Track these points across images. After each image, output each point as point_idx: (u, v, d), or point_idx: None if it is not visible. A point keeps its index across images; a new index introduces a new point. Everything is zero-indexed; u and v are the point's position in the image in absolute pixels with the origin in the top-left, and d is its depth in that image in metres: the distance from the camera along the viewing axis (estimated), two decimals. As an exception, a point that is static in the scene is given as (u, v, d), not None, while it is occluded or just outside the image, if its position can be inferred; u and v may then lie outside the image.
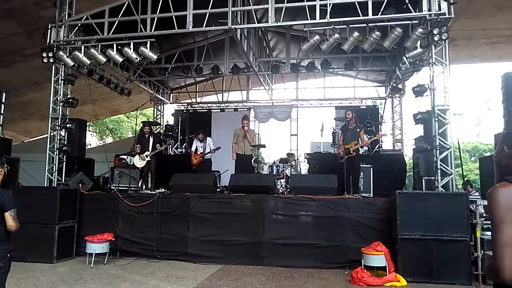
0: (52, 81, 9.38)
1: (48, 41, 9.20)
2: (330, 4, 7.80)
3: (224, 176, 10.18)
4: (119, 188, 9.22)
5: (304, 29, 8.89)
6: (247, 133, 9.55)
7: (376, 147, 11.10)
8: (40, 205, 7.67)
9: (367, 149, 10.16)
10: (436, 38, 7.49)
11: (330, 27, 8.21)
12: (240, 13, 8.57)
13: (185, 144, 13.21)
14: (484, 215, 6.66)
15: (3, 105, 9.18)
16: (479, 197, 7.77)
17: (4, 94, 9.25)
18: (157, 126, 14.11)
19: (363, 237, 7.11)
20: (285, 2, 8.09)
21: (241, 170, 9.40)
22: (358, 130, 8.74)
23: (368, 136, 9.23)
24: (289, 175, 10.46)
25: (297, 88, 14.96)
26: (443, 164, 7.54)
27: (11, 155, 8.92)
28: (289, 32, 12.07)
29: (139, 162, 9.63)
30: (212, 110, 15.25)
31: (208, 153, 10.16)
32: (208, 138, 10.54)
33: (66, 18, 9.25)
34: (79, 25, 9.27)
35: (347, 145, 8.61)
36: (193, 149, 10.41)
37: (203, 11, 8.31)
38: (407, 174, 11.18)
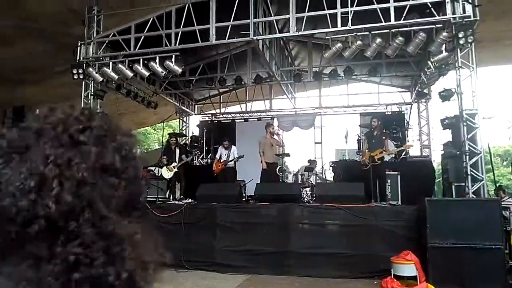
0: (82, 97, 9.73)
1: (78, 58, 9.57)
2: (351, 11, 7.79)
3: (249, 186, 10.22)
4: (148, 199, 9.37)
5: (326, 37, 8.93)
6: (279, 137, 9.73)
7: (403, 154, 10.91)
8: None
9: (393, 155, 10.00)
10: (461, 42, 7.35)
11: (352, 34, 8.20)
12: (262, 24, 8.68)
13: (210, 154, 13.35)
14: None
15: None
16: (513, 203, 7.51)
17: (37, 111, 9.64)
18: (183, 138, 14.33)
19: (392, 246, 6.97)
20: (306, 11, 8.13)
21: (267, 178, 9.43)
22: (383, 138, 8.64)
23: (395, 143, 9.09)
24: (314, 183, 10.41)
25: (320, 96, 14.92)
26: (473, 170, 7.33)
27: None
28: (310, 40, 12.09)
29: (167, 173, 9.80)
30: (236, 120, 15.39)
31: (230, 161, 10.19)
32: (233, 146, 10.57)
33: (95, 35, 9.61)
34: (106, 41, 9.60)
35: (372, 152, 8.54)
36: (217, 156, 10.53)
37: (225, 24, 8.46)
38: (436, 181, 10.92)
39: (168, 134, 12.88)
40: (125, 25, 9.33)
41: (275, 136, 9.81)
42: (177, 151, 9.99)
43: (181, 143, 12.49)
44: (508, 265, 6.09)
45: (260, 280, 7.10)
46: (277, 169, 10.45)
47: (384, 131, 8.99)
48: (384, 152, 8.44)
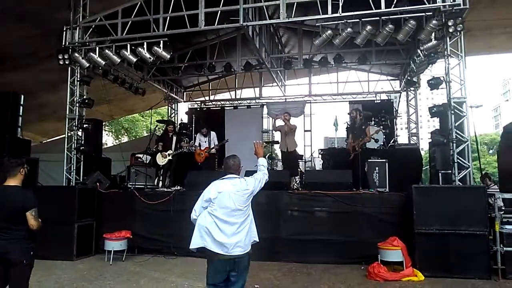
0: (68, 83, 9.55)
1: (63, 43, 9.37)
2: (342, -2, 7.74)
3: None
4: (136, 186, 9.33)
5: (316, 24, 8.85)
6: (287, 126, 9.52)
7: (391, 142, 11.00)
8: (60, 204, 7.83)
9: (382, 143, 10.07)
10: (451, 30, 7.37)
11: (343, 21, 8.14)
12: (252, 10, 8.58)
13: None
14: (503, 208, 6.56)
15: (21, 107, 9.38)
16: (498, 190, 7.64)
17: (22, 97, 9.45)
18: (175, 125, 14.20)
19: (379, 232, 7.06)
20: (297, -3, 8.06)
21: (286, 166, 9.35)
22: (363, 127, 8.98)
23: (383, 131, 9.22)
24: (303, 171, 10.43)
25: (310, 84, 14.91)
26: (460, 158, 7.43)
27: (30, 156, 9.13)
28: (301, 27, 12.01)
29: (161, 159, 9.72)
30: (225, 108, 15.30)
31: (213, 147, 10.09)
32: (212, 132, 10.32)
33: (81, 20, 9.40)
34: (93, 26, 9.41)
35: (354, 142, 8.90)
36: (196, 144, 10.34)
37: (214, 9, 8.35)
38: (423, 168, 11.05)
39: (157, 121, 12.77)
40: (112, 9, 9.13)
41: (287, 123, 9.61)
42: (174, 139, 9.92)
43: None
44: (492, 251, 6.22)
45: (249, 266, 7.14)
46: (266, 157, 10.41)
47: (363, 120, 9.36)
48: (362, 140, 8.63)
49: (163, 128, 10.34)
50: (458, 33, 7.50)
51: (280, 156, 10.51)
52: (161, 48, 8.93)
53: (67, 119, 9.50)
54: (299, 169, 10.66)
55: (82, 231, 7.97)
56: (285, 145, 9.51)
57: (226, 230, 3.62)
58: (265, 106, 14.76)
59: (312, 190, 7.81)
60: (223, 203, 3.70)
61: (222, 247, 3.58)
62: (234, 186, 3.80)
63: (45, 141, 18.89)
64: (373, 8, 7.72)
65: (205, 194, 3.86)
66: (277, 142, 13.13)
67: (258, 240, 4.05)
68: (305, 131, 14.87)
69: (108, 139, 28.69)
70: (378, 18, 8.05)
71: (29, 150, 9.48)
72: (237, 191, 3.77)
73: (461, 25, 7.29)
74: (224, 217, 3.66)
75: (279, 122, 9.58)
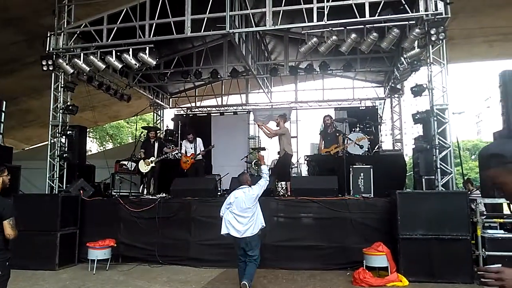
0: (52, 89, 9.43)
1: (47, 49, 9.26)
2: (327, 6, 7.85)
3: (224, 180, 10.18)
4: (120, 193, 9.22)
5: (302, 32, 8.95)
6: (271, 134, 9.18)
7: (376, 148, 11.11)
8: (42, 213, 7.69)
9: (367, 150, 10.16)
10: (433, 38, 7.53)
11: (328, 29, 8.26)
12: (238, 17, 8.61)
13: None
14: (485, 213, 6.67)
15: (3, 114, 9.21)
16: (480, 195, 7.77)
17: (4, 103, 9.29)
18: (157, 131, 14.11)
19: (364, 237, 7.11)
20: (283, 5, 8.13)
21: (279, 169, 9.20)
22: (337, 134, 9.26)
23: (368, 137, 9.37)
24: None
25: (296, 90, 15.02)
26: (442, 163, 7.55)
27: (12, 163, 8.95)
28: (287, 35, 12.11)
29: (144, 167, 9.59)
30: (211, 114, 15.29)
31: (199, 154, 9.91)
32: (198, 139, 10.09)
33: (65, 25, 9.32)
34: (78, 32, 9.33)
35: (327, 148, 9.13)
36: (183, 151, 10.17)
37: (201, 16, 8.37)
38: (407, 174, 11.17)
39: (143, 127, 12.66)
40: (98, 15, 9.09)
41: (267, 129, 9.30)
42: (156, 145, 9.81)
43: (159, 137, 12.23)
44: (474, 255, 6.31)
45: (235, 273, 7.04)
46: (253, 163, 10.37)
47: (337, 128, 9.69)
48: (338, 147, 8.91)
49: (146, 135, 10.21)
50: (440, 41, 7.67)
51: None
52: (147, 55, 8.91)
53: (50, 125, 9.36)
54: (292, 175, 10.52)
55: (65, 240, 7.82)
56: (278, 150, 9.58)
57: (241, 221, 5.62)
58: (251, 113, 14.81)
59: (298, 196, 7.84)
60: (239, 204, 5.67)
61: (239, 232, 5.59)
62: (245, 193, 5.75)
63: (28, 148, 18.57)
64: (358, 17, 7.84)
65: (227, 200, 5.89)
66: (263, 149, 13.14)
67: (265, 225, 5.87)
68: (291, 137, 14.92)
69: (92, 146, 28.36)
70: (362, 26, 8.19)
71: (11, 158, 9.30)
72: (246, 196, 5.70)
73: (443, 34, 7.46)
74: (239, 213, 5.64)
75: (266, 130, 9.39)
